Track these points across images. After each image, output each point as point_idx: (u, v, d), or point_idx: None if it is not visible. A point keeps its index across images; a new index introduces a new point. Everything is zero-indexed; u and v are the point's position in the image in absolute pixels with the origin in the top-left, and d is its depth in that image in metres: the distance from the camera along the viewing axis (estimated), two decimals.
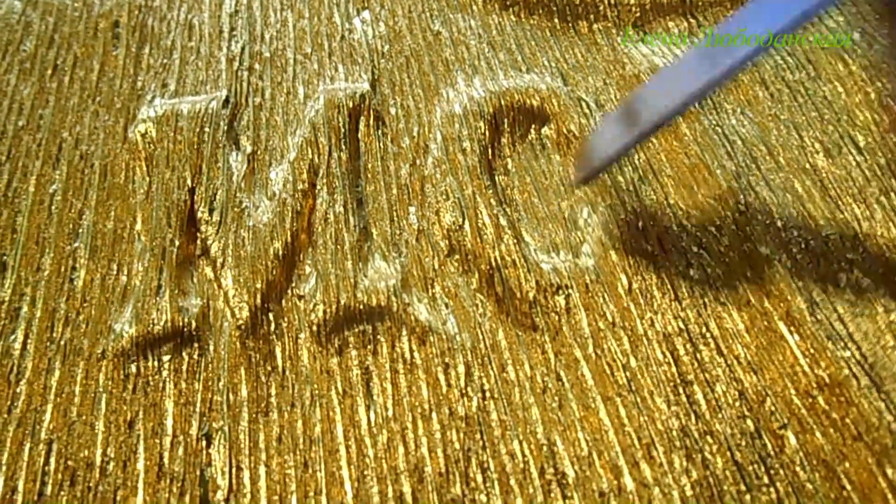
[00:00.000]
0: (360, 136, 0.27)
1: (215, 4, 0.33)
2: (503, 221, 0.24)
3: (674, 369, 0.22)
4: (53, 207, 0.26)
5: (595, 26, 0.31)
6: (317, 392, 0.22)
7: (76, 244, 0.25)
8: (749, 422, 0.21)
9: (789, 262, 0.23)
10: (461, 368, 0.22)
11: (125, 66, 0.30)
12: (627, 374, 0.22)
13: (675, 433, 0.21)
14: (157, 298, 0.23)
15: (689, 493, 0.20)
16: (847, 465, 0.19)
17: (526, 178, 0.26)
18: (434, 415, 0.21)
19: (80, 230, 0.25)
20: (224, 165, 0.26)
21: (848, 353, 0.21)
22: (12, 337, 0.23)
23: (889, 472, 0.19)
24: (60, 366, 0.22)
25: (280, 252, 0.24)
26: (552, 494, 0.20)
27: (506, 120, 0.27)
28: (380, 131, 0.28)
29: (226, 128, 0.27)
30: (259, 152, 0.27)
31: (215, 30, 0.32)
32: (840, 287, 0.23)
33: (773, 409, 0.21)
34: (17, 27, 0.32)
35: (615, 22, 0.31)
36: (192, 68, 0.30)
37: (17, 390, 0.22)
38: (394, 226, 0.25)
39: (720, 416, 0.21)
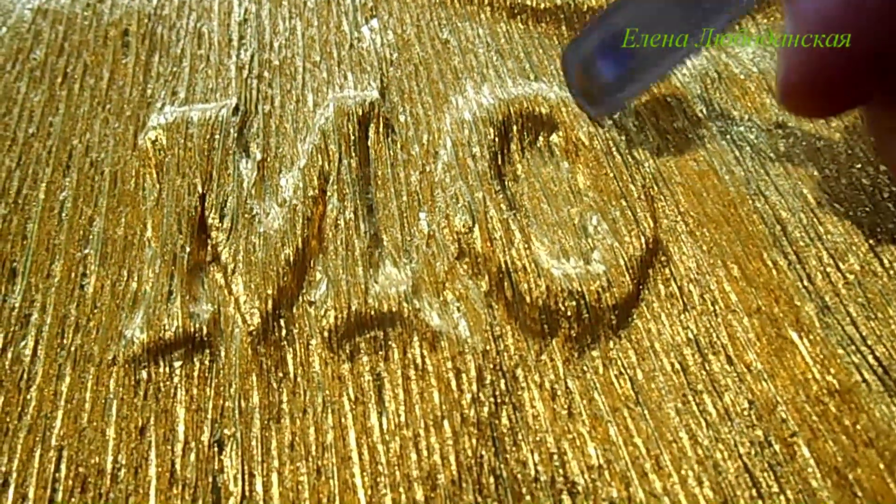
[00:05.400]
0: (369, 143, 0.27)
1: (224, 13, 0.33)
2: (513, 226, 0.24)
3: (682, 379, 0.22)
4: (64, 214, 0.26)
5: None
6: (329, 398, 0.22)
7: (86, 251, 0.25)
8: (759, 430, 0.21)
9: (799, 267, 0.23)
10: (473, 373, 0.22)
11: (135, 74, 0.30)
12: (635, 385, 0.22)
13: (685, 443, 0.21)
14: (168, 304, 0.23)
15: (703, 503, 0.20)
16: (858, 471, 0.19)
17: (535, 184, 0.26)
18: (446, 422, 0.21)
19: (91, 237, 0.25)
20: (234, 172, 0.26)
21: (858, 358, 0.21)
22: (22, 343, 0.23)
23: None
24: (71, 372, 0.22)
25: (291, 258, 0.24)
26: (563, 503, 0.20)
27: (514, 127, 0.27)
28: (389, 139, 0.28)
29: (236, 135, 0.28)
30: (269, 159, 0.27)
31: (224, 38, 0.32)
32: (851, 292, 0.23)
33: (783, 416, 0.21)
34: (27, 36, 0.32)
35: None
36: (201, 76, 0.30)
37: (28, 396, 0.22)
38: (404, 232, 0.25)
39: (730, 425, 0.21)
